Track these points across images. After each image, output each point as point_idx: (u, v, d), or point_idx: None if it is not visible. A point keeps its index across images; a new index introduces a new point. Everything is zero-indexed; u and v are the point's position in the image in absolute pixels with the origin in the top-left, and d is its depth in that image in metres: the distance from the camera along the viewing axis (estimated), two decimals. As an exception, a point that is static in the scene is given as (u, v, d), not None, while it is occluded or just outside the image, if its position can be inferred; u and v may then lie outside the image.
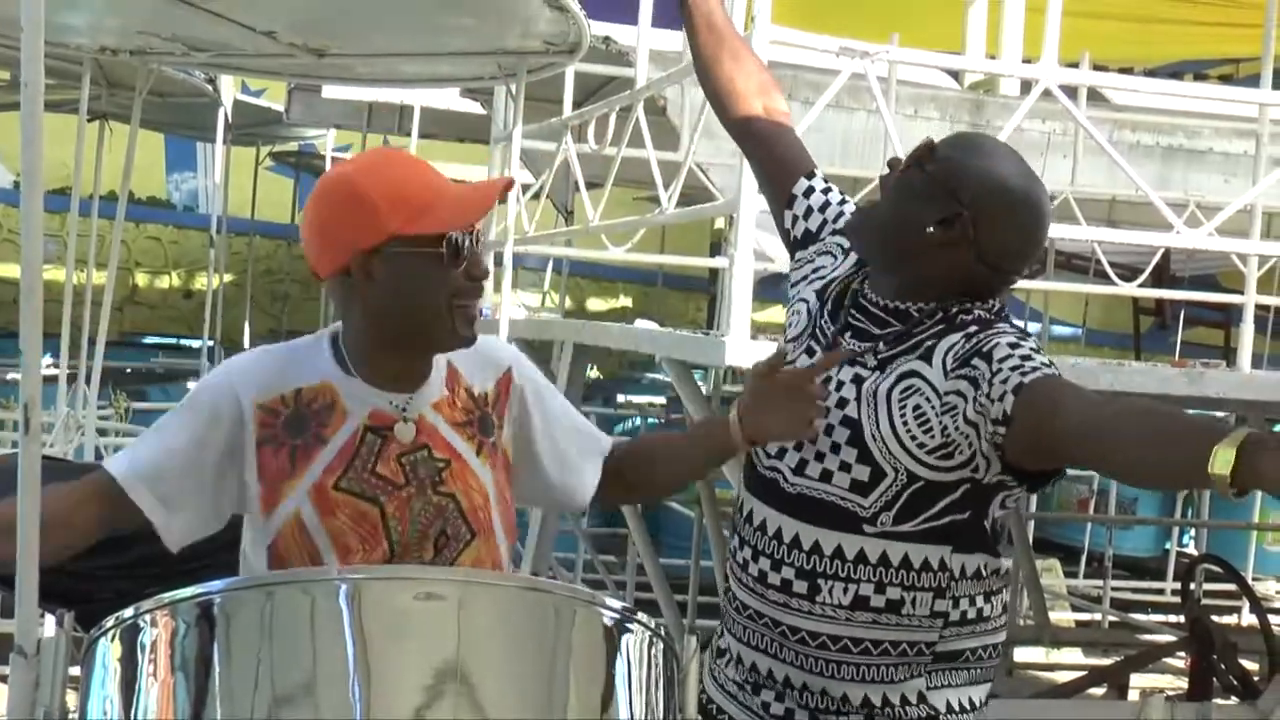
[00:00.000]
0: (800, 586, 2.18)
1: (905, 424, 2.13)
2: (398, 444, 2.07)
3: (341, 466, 2.05)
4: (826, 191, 2.48)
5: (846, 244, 2.40)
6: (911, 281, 2.23)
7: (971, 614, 2.22)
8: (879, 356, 2.21)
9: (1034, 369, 2.06)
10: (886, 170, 2.27)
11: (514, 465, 2.21)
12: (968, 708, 2.25)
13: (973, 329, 2.17)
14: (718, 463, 2.37)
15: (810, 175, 2.49)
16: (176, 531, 2.08)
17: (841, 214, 2.44)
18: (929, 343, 2.18)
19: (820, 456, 2.19)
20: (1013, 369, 2.06)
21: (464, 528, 2.09)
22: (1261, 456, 1.69)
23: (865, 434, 2.15)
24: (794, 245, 2.48)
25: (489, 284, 6.74)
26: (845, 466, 2.17)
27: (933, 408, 2.13)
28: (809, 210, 2.46)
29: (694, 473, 2.43)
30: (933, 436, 2.12)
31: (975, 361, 2.11)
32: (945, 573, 2.17)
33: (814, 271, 2.41)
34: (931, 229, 2.17)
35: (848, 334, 2.27)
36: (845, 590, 2.16)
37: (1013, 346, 2.11)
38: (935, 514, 2.15)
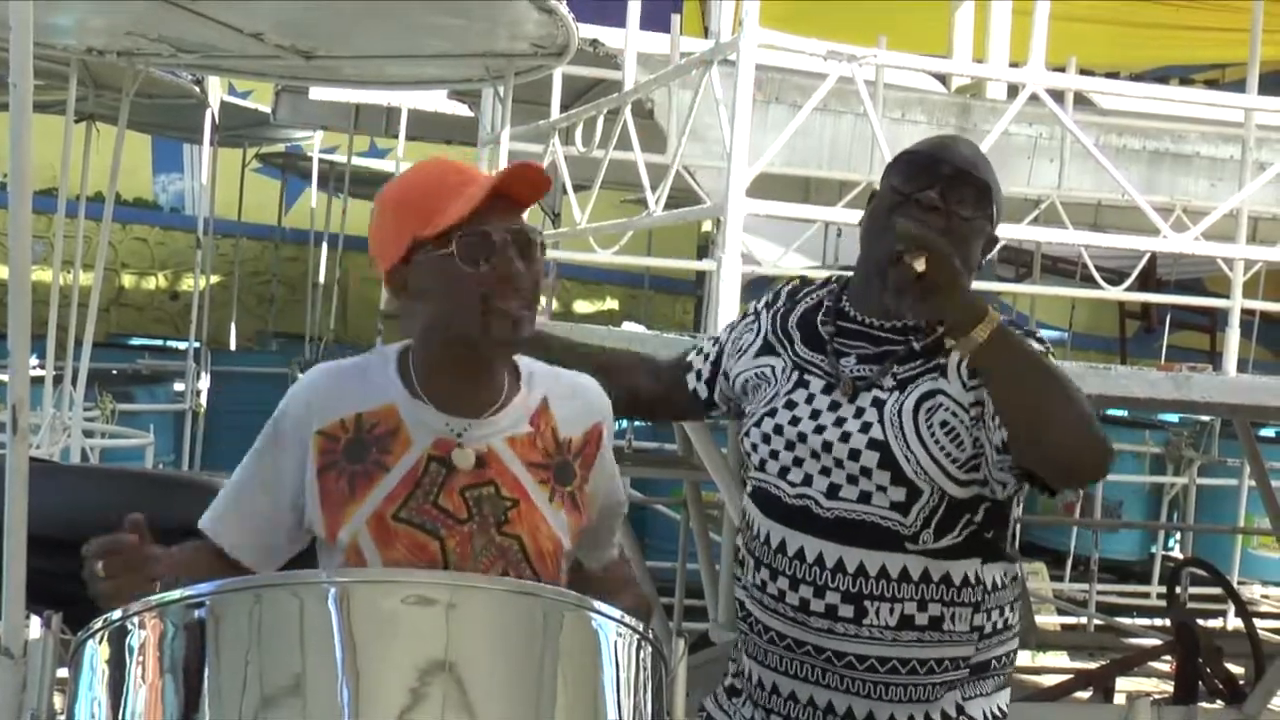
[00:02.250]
0: (846, 610, 2.17)
1: (937, 441, 2.15)
2: (461, 474, 1.97)
3: (403, 495, 1.96)
4: (711, 340, 2.52)
5: (757, 309, 2.43)
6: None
7: (1000, 624, 2.26)
8: (898, 377, 2.21)
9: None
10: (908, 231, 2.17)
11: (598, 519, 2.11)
12: (998, 715, 2.28)
13: None
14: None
15: (695, 351, 2.52)
16: (263, 563, 2.03)
17: (738, 320, 2.47)
18: (942, 360, 2.20)
19: (854, 480, 2.18)
20: None
21: (528, 572, 1.98)
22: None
23: (897, 455, 2.16)
24: (710, 385, 2.47)
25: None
26: (881, 489, 2.16)
27: (961, 422, 2.15)
28: (705, 356, 2.49)
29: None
30: (963, 450, 2.15)
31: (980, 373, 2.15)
32: (980, 586, 2.20)
33: (745, 347, 2.41)
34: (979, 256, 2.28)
35: (850, 357, 2.26)
36: (891, 610, 2.17)
37: None
38: (967, 526, 2.18)
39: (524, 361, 2.10)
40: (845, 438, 2.19)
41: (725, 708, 2.37)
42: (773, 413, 2.27)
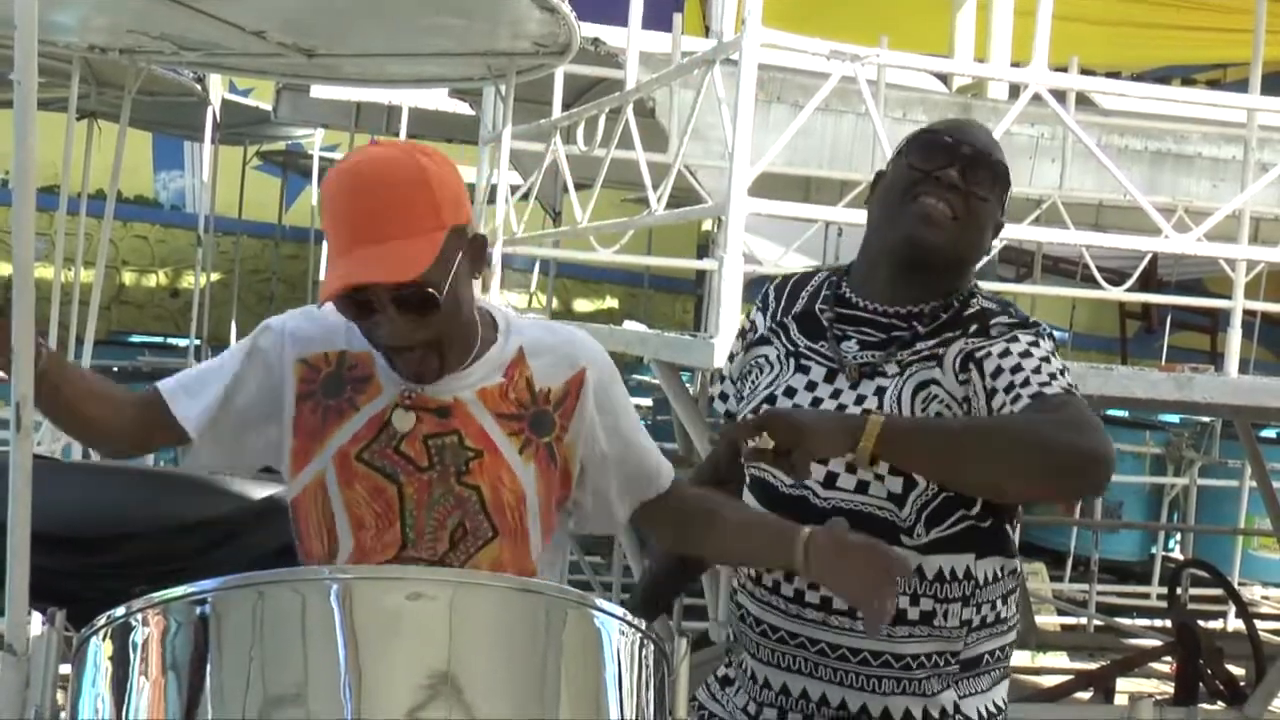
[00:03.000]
0: (840, 603, 2.15)
1: None
2: (423, 423, 2.00)
3: (367, 437, 2.00)
4: (725, 379, 2.47)
5: (751, 316, 2.41)
6: (952, 280, 2.25)
7: (991, 617, 2.23)
8: (900, 362, 2.20)
9: (1052, 380, 2.09)
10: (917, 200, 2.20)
11: (581, 471, 2.10)
12: (995, 712, 2.26)
13: (973, 329, 2.19)
14: (757, 563, 2.22)
15: (717, 401, 2.47)
16: (203, 454, 2.09)
17: (738, 342, 2.44)
18: (939, 350, 2.19)
19: (851, 468, 2.17)
20: (1006, 389, 2.09)
21: (485, 524, 2.01)
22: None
23: None
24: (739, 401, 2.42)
25: (478, 283, 6.74)
26: (879, 477, 2.15)
27: (954, 414, 2.14)
28: (723, 395, 2.45)
29: (741, 563, 2.27)
30: None
31: (970, 368, 2.14)
32: (970, 581, 2.19)
33: (751, 340, 2.40)
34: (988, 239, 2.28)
35: (852, 342, 2.26)
36: None
37: (1003, 355, 2.13)
38: (960, 520, 2.17)
39: (502, 312, 2.14)
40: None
41: (718, 697, 2.36)
42: (771, 399, 2.26)
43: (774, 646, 2.24)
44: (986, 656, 2.24)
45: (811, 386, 2.24)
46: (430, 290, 1.88)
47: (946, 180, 2.18)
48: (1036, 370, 2.10)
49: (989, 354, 2.13)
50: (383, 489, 2.00)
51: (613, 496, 2.16)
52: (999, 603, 2.24)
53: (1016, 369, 2.10)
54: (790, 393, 2.25)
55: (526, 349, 2.07)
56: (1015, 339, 2.15)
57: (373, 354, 2.02)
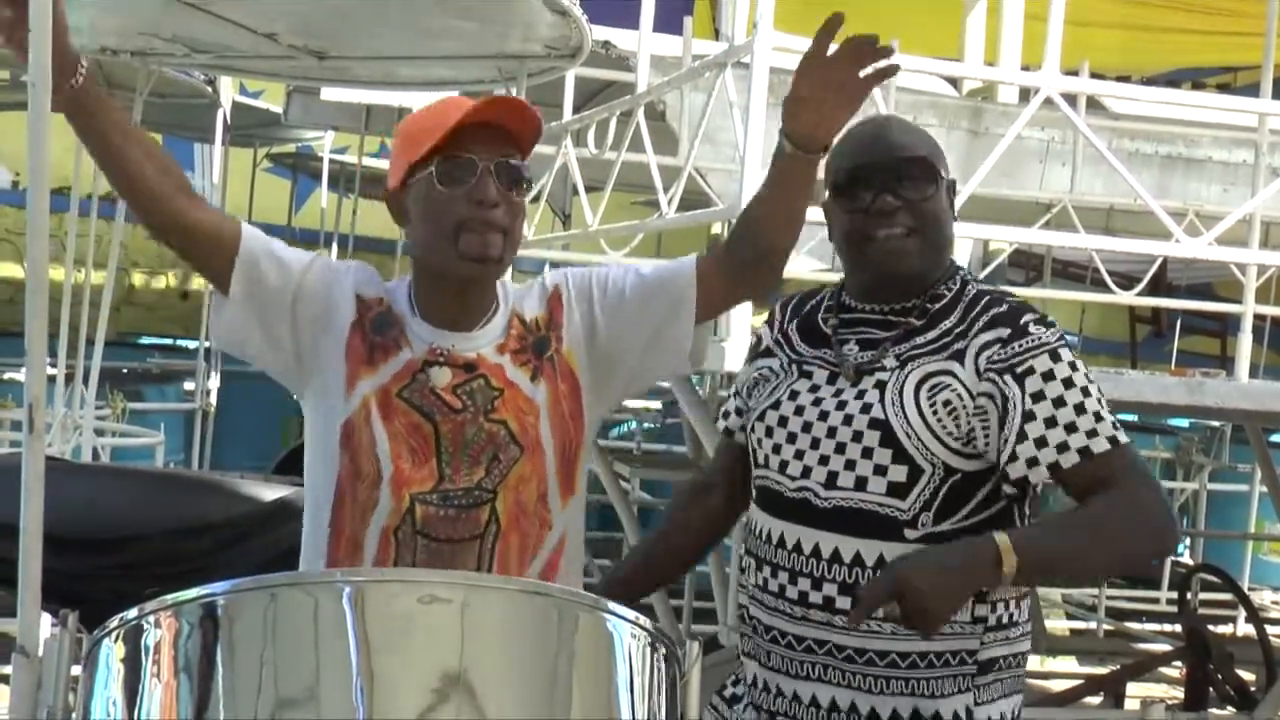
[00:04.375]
0: (843, 603, 2.16)
1: (937, 416, 2.15)
2: (453, 374, 2.15)
3: (406, 379, 2.14)
4: (733, 398, 2.51)
5: (759, 334, 2.46)
6: (936, 270, 2.28)
7: (1005, 618, 2.23)
8: (900, 356, 2.22)
9: (1077, 415, 2.11)
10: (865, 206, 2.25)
11: (592, 366, 2.24)
12: None
13: (1005, 334, 2.18)
14: (796, 193, 2.20)
15: (724, 423, 2.51)
16: (227, 318, 2.16)
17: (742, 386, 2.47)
18: (958, 345, 2.19)
19: (851, 465, 2.18)
20: (1048, 424, 2.11)
21: (514, 448, 2.14)
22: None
23: (898, 432, 2.15)
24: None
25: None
26: (880, 470, 2.15)
27: (964, 407, 2.15)
28: (733, 412, 2.49)
29: (780, 206, 2.22)
30: (960, 428, 2.14)
31: (1006, 379, 2.14)
32: None
33: (757, 354, 2.45)
34: (951, 211, 2.30)
35: (852, 343, 2.28)
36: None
37: (1047, 377, 2.13)
38: (973, 509, 2.17)
39: (502, 283, 2.26)
40: (848, 420, 2.19)
41: (726, 715, 2.36)
42: (776, 404, 2.29)
43: (783, 652, 2.24)
44: (999, 662, 2.23)
45: (814, 389, 2.27)
46: (527, 172, 2.14)
47: (885, 208, 2.22)
48: (1080, 410, 2.11)
49: (1032, 370, 2.13)
50: (419, 425, 2.12)
51: (661, 324, 2.24)
52: (1013, 603, 2.23)
53: (1059, 402, 2.11)
54: (793, 395, 2.28)
55: (515, 301, 2.25)
56: (1058, 355, 2.15)
57: (404, 315, 2.19)
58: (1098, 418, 2.12)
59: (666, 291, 2.24)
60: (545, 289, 2.28)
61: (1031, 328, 2.17)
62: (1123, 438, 2.12)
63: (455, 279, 2.15)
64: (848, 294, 2.36)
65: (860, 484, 2.17)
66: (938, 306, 2.25)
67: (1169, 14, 11.76)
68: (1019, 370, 2.13)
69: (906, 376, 2.19)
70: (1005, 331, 2.18)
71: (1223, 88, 12.64)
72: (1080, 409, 2.11)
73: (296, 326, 2.17)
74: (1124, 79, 10.15)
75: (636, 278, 2.26)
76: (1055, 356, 2.15)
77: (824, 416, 2.23)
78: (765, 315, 2.51)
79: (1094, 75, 7.49)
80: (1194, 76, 13.04)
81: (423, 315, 2.19)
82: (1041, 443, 2.10)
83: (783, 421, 2.27)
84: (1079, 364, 2.17)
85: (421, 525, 2.10)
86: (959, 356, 2.18)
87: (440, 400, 2.13)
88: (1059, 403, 2.11)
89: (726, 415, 2.50)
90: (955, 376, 2.16)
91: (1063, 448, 2.09)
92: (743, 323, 3.76)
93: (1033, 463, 2.11)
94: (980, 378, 2.15)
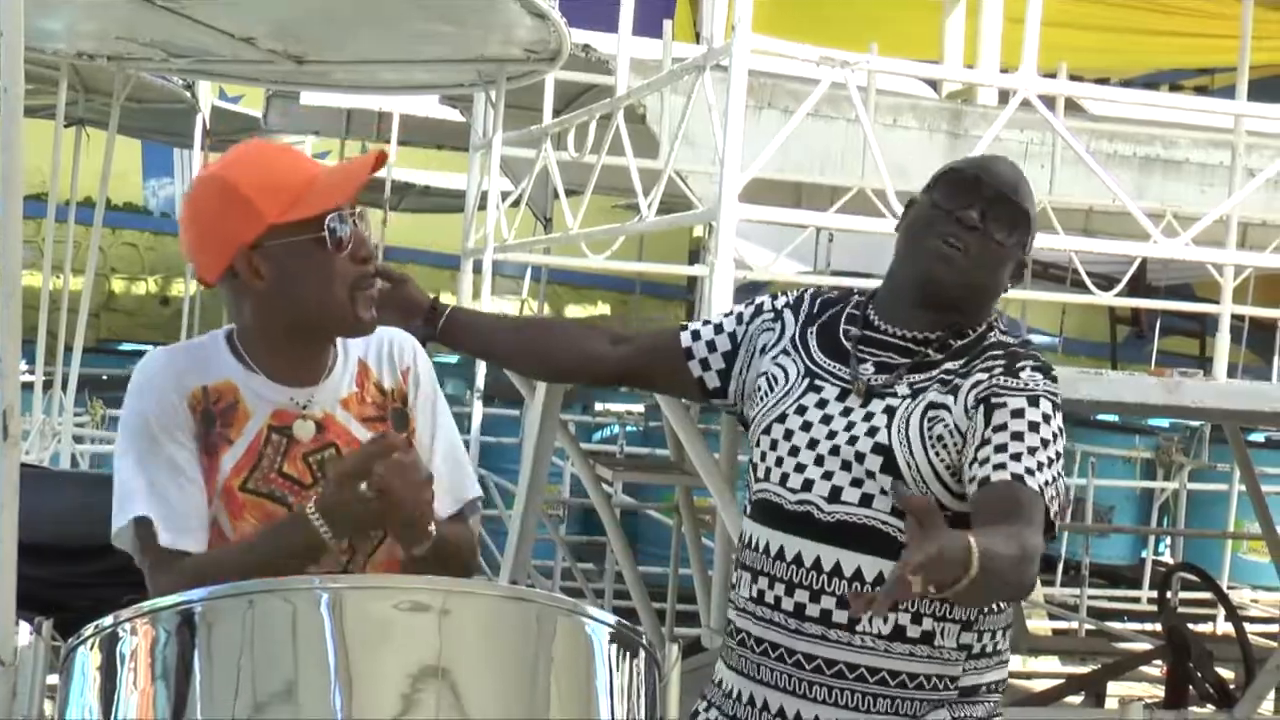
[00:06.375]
0: (840, 617, 2.16)
1: (937, 453, 2.16)
2: (301, 444, 2.03)
3: (248, 467, 2.01)
4: (709, 325, 2.47)
5: (778, 308, 2.41)
6: (970, 314, 2.27)
7: (990, 647, 2.24)
8: (913, 386, 2.22)
9: (1013, 459, 2.08)
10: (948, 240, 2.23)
11: None
12: None
13: (998, 368, 2.19)
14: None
15: (684, 329, 2.49)
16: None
17: (750, 313, 2.44)
18: (956, 381, 2.20)
19: (858, 483, 2.18)
20: (997, 449, 2.09)
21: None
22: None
23: (899, 460, 2.16)
24: (723, 377, 2.43)
25: (468, 288, 6.74)
26: (884, 493, 2.16)
27: (954, 443, 2.16)
28: (710, 345, 2.44)
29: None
30: (951, 461, 2.16)
31: (980, 408, 2.15)
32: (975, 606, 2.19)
33: (765, 346, 2.40)
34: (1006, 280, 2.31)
35: (869, 365, 2.27)
36: (886, 619, 2.15)
37: (1015, 415, 2.12)
38: None
39: None
40: (853, 440, 2.19)
41: None
42: (783, 418, 2.28)
43: (772, 665, 2.23)
44: (983, 688, 2.24)
45: (822, 404, 2.26)
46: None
47: (966, 221, 2.22)
48: (1032, 452, 2.09)
49: (1004, 404, 2.14)
50: (273, 514, 2.00)
51: (444, 498, 2.14)
52: (999, 634, 2.25)
53: (1017, 437, 2.10)
54: (801, 410, 2.27)
55: (364, 357, 2.13)
56: (1036, 402, 2.15)
57: (234, 380, 2.03)
58: (1040, 467, 2.09)
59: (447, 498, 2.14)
60: (400, 357, 2.17)
61: (1024, 373, 2.18)
62: (1050, 495, 2.08)
63: (324, 335, 2.06)
64: (875, 310, 2.34)
65: (866, 500, 2.17)
66: (957, 345, 2.25)
67: (1147, 16, 11.81)
68: (993, 402, 2.14)
69: (914, 407, 2.19)
70: (999, 369, 2.19)
71: (1200, 90, 12.68)
72: (1031, 451, 2.10)
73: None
74: (1102, 81, 10.18)
75: (447, 453, 2.17)
76: (1033, 402, 2.14)
77: (831, 435, 2.22)
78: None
79: (1072, 77, 7.53)
80: (1172, 79, 13.09)
81: (262, 371, 2.04)
82: (984, 462, 2.09)
83: (788, 435, 2.26)
84: (1053, 419, 2.15)
85: None
86: (955, 391, 2.19)
87: (288, 480, 2.01)
88: (1016, 438, 2.10)
89: (696, 336, 2.45)
90: (949, 410, 2.18)
91: (999, 467, 2.08)
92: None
93: (972, 480, 2.10)
94: (966, 414, 2.16)
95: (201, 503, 1.99)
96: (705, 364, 2.44)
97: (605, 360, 2.52)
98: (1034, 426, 2.12)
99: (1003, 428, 2.11)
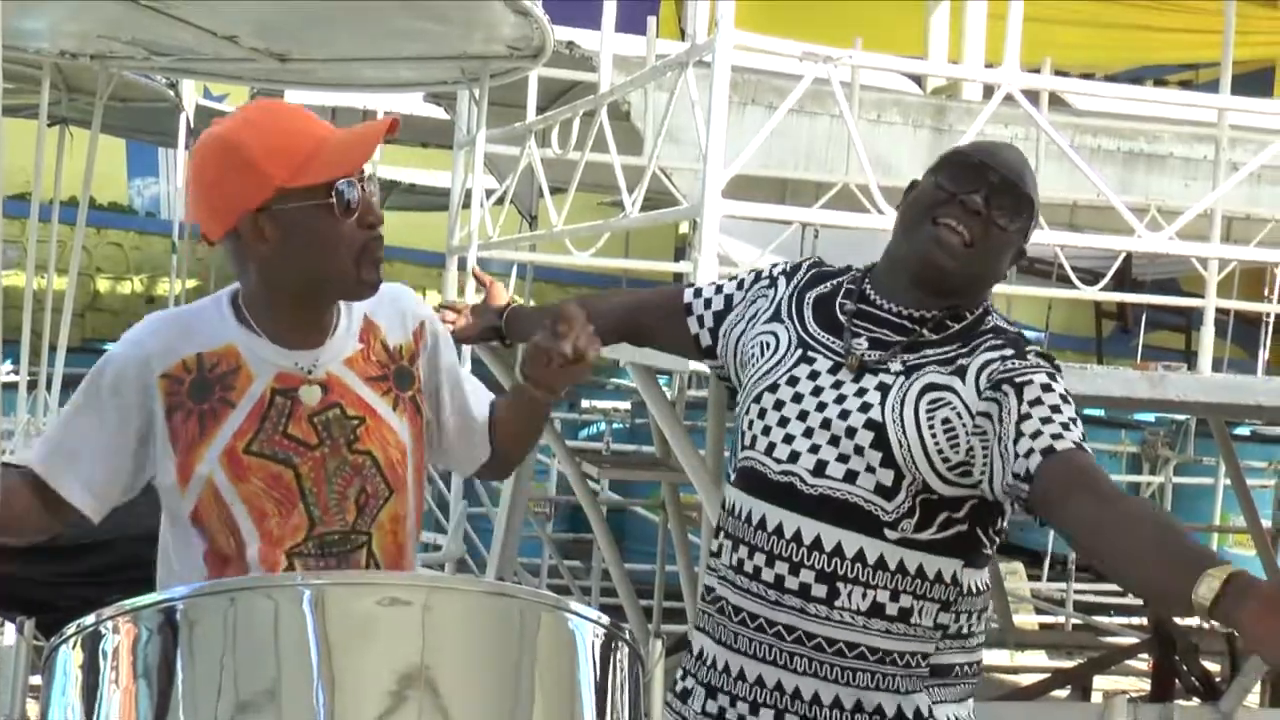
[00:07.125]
0: (819, 590, 2.17)
1: (934, 435, 2.15)
2: (306, 406, 2.04)
3: (251, 429, 2.01)
4: (712, 284, 2.55)
5: (774, 274, 2.44)
6: (968, 298, 2.28)
7: (965, 629, 2.25)
8: (907, 363, 2.22)
9: (1064, 428, 2.07)
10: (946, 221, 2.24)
11: (426, 418, 2.19)
12: None
13: (1009, 353, 2.18)
14: (525, 425, 2.32)
15: (689, 287, 2.58)
16: (96, 509, 2.08)
17: (750, 279, 2.48)
18: (961, 360, 2.20)
19: (844, 458, 2.18)
20: (1044, 421, 2.08)
21: (382, 484, 2.07)
22: (1242, 605, 1.76)
23: (891, 439, 2.16)
24: (713, 335, 2.48)
25: (453, 286, 6.73)
26: (870, 469, 2.16)
27: (964, 426, 2.15)
28: (708, 303, 2.50)
29: (510, 426, 2.32)
30: (957, 453, 2.14)
31: (1005, 389, 2.13)
32: (956, 587, 2.20)
33: (756, 313, 2.42)
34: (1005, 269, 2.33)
35: (862, 339, 2.27)
36: (864, 595, 2.16)
37: (1045, 389, 2.12)
38: (945, 525, 2.17)
39: None
40: (844, 415, 2.19)
41: (680, 710, 2.34)
42: (774, 387, 2.28)
43: (751, 635, 2.23)
44: (956, 669, 2.25)
45: (814, 376, 2.26)
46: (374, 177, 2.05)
47: (970, 205, 2.22)
48: (1075, 423, 2.10)
49: (1030, 381, 2.13)
50: (279, 475, 2.01)
51: (479, 427, 2.29)
52: (975, 615, 2.26)
53: (1055, 409, 2.10)
54: (793, 381, 2.27)
55: (370, 313, 2.13)
56: (1055, 380, 2.15)
57: (234, 344, 2.04)
58: (1084, 439, 2.10)
59: (480, 426, 2.29)
60: (412, 314, 2.19)
61: (1032, 356, 2.19)
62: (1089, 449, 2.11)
63: (328, 299, 2.06)
64: (871, 285, 2.34)
65: (850, 477, 2.17)
66: (954, 328, 2.25)
67: (1131, 11, 11.84)
68: (1018, 381, 2.13)
69: (910, 385, 2.19)
70: (1008, 351, 2.19)
71: (1184, 84, 12.72)
72: (1074, 422, 2.11)
73: (140, 457, 2.06)
74: (1087, 76, 10.21)
75: (469, 390, 2.28)
76: (1053, 378, 2.16)
77: (821, 407, 2.22)
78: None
79: (1057, 72, 7.55)
80: (1156, 73, 13.13)
81: (265, 333, 2.05)
82: (1037, 435, 2.08)
83: (778, 405, 2.26)
84: (1069, 398, 2.16)
85: None
86: (961, 373, 2.18)
87: (294, 441, 2.02)
88: (1055, 410, 2.10)
89: (701, 296, 2.52)
90: (956, 393, 2.16)
91: (1056, 436, 2.06)
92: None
93: (1029, 453, 2.07)
94: (980, 396, 2.15)
95: (108, 466, 2.04)
96: (701, 321, 2.50)
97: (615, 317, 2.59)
98: (1065, 399, 2.13)
99: (1038, 402, 2.11)
